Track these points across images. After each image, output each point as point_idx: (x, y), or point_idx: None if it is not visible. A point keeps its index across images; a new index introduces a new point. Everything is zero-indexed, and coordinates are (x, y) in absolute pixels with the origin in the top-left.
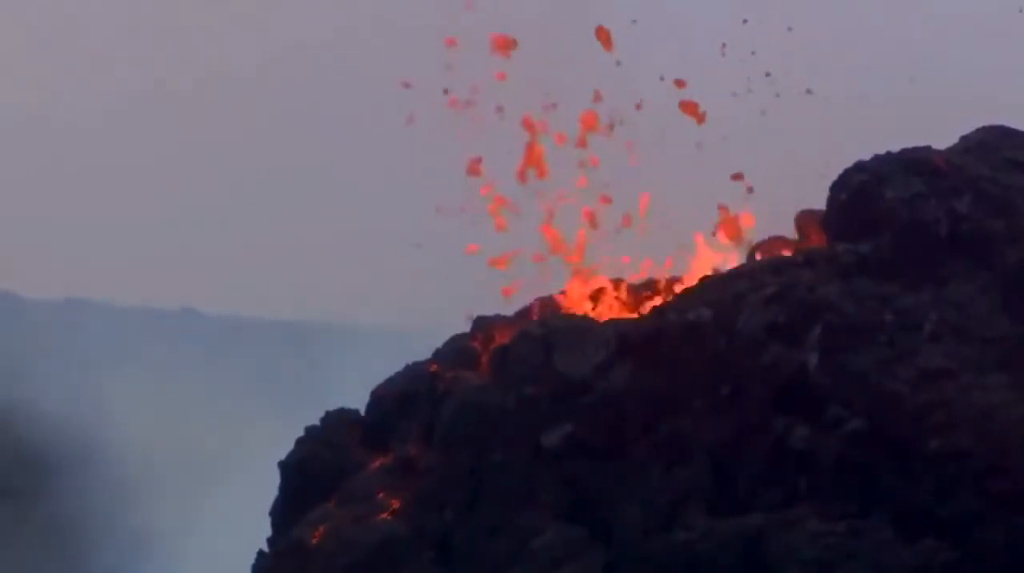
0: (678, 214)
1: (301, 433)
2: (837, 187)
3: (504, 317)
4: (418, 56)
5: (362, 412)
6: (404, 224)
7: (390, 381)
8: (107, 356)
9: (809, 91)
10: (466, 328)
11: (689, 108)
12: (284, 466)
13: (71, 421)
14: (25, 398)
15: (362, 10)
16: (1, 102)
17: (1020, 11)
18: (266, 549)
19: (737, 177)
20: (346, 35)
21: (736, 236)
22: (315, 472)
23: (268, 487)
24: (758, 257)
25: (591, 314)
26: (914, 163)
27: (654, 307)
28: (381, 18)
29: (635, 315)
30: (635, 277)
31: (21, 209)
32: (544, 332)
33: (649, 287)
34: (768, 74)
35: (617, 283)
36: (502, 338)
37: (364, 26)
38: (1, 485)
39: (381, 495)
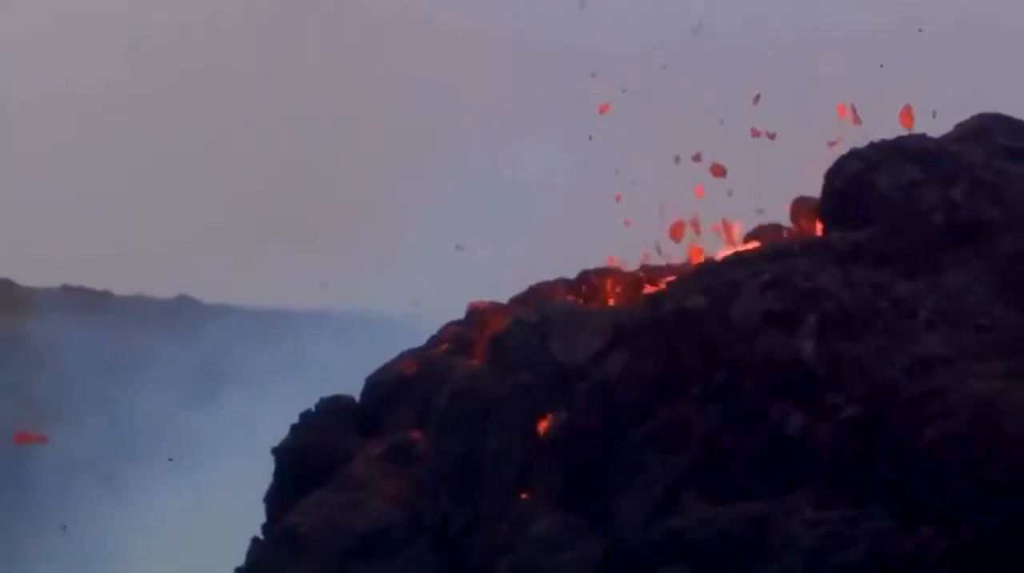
0: None
1: (295, 420)
2: (832, 175)
3: (499, 304)
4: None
5: (357, 399)
6: (402, 216)
7: (385, 368)
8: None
9: None
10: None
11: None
12: (279, 452)
13: None
14: None
15: None
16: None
17: None
18: (260, 536)
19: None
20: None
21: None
22: (310, 458)
23: (261, 473)
24: (753, 245)
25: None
26: (909, 151)
27: (650, 295)
28: None
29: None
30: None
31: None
32: (539, 319)
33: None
34: None
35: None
36: (497, 325)
37: None
38: None
39: (376, 482)
